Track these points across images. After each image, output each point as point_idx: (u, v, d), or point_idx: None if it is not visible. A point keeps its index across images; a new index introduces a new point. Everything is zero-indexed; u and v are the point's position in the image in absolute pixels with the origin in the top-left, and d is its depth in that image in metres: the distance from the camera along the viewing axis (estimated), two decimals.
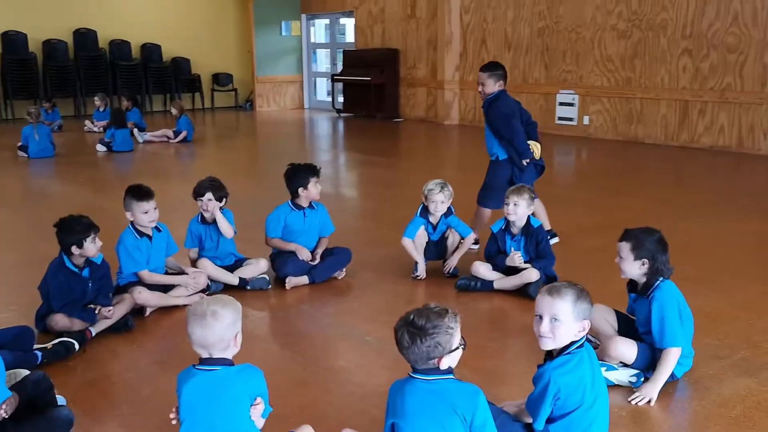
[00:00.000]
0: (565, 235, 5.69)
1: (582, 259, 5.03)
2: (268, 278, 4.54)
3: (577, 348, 2.49)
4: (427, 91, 14.15)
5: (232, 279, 4.45)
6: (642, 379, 3.19)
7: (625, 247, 3.24)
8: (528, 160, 5.11)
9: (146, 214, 4.03)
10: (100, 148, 10.36)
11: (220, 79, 17.14)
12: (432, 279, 4.66)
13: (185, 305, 4.15)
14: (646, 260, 3.19)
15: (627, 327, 3.41)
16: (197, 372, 2.30)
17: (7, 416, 2.49)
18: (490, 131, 5.17)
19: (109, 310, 3.69)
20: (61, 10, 14.84)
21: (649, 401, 3.04)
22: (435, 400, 2.26)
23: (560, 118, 11.82)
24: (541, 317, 2.48)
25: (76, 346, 3.46)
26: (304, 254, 4.57)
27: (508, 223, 4.45)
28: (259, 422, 2.36)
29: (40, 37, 14.64)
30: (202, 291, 4.28)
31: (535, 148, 5.19)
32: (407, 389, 2.31)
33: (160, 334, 3.88)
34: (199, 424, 2.27)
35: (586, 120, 11.45)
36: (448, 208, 4.68)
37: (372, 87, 14.43)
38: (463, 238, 4.70)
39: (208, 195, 4.44)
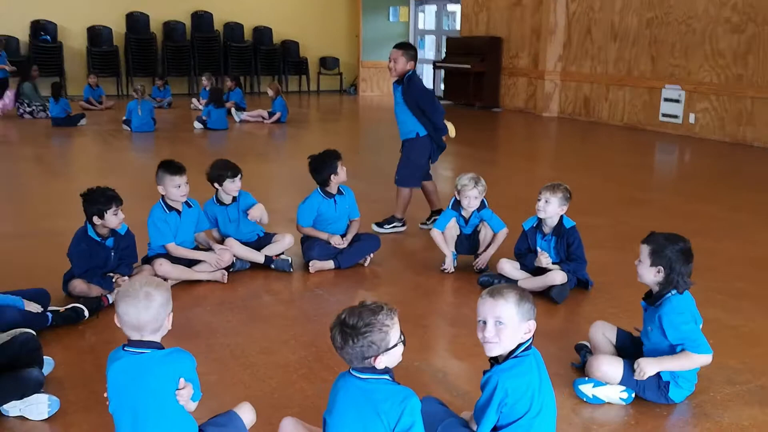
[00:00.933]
0: (623, 239, 5.37)
1: (630, 266, 4.73)
2: (290, 260, 4.58)
3: (524, 351, 2.35)
4: (528, 81, 13.75)
5: (258, 257, 4.53)
6: (633, 395, 2.97)
7: (645, 250, 3.02)
8: (444, 137, 5.35)
9: (178, 189, 4.18)
10: (197, 125, 10.85)
11: (327, 63, 17.46)
12: (461, 273, 4.54)
13: (207, 281, 4.30)
14: (662, 268, 2.96)
15: (629, 344, 3.18)
16: (124, 354, 2.31)
17: None
18: (408, 108, 5.20)
19: (125, 280, 3.86)
20: None
21: (643, 375, 2.90)
22: (362, 400, 2.19)
23: (664, 115, 11.14)
24: (484, 322, 2.35)
25: (86, 313, 3.64)
26: (336, 240, 4.59)
27: (540, 222, 4.25)
28: (190, 405, 2.37)
29: (161, 18, 15.50)
30: (227, 269, 4.39)
31: (451, 126, 5.39)
32: (341, 385, 2.27)
33: (175, 306, 4.00)
34: (124, 405, 2.29)
35: (691, 118, 10.72)
36: (482, 201, 4.54)
37: (472, 75, 14.20)
38: (495, 233, 4.55)
39: (240, 176, 4.56)
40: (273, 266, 4.56)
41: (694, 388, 2.99)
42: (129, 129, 10.35)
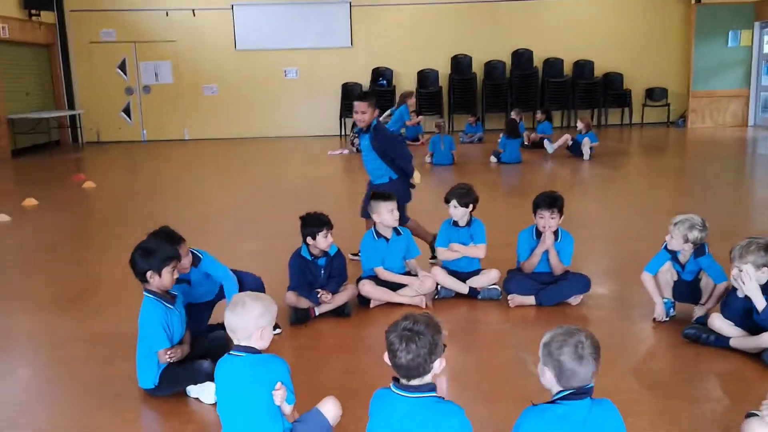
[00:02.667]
0: None
1: None
2: (499, 290, 4.62)
3: None
4: None
5: (462, 288, 4.65)
6: None
7: None
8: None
9: (386, 215, 4.57)
10: (492, 159, 11.23)
11: (654, 94, 16.51)
12: (676, 324, 4.07)
13: (408, 304, 4.55)
14: None
15: None
16: (228, 356, 2.68)
17: (171, 360, 3.29)
18: (378, 156, 5.31)
19: (328, 296, 4.31)
20: (503, 34, 16.27)
21: None
22: (417, 419, 2.27)
23: None
24: None
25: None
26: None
27: None
28: (285, 407, 2.65)
29: (483, 58, 16.35)
30: (432, 295, 4.61)
31: (417, 174, 5.81)
32: (390, 403, 2.34)
33: (370, 324, 4.36)
34: (226, 403, 2.66)
35: None
36: (702, 247, 4.03)
37: None
38: (715, 285, 3.99)
39: (468, 204, 4.74)
40: (479, 296, 4.65)
41: None
42: (430, 163, 11.16)
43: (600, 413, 2.20)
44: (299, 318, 4.29)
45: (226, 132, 16.50)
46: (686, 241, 4.00)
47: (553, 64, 16.39)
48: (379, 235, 4.65)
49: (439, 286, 4.68)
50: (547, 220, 4.42)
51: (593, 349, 2.19)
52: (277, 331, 4.15)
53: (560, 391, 2.23)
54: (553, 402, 2.23)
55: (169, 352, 3.29)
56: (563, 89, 16.23)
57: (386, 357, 2.32)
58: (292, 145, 15.10)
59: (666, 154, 12.94)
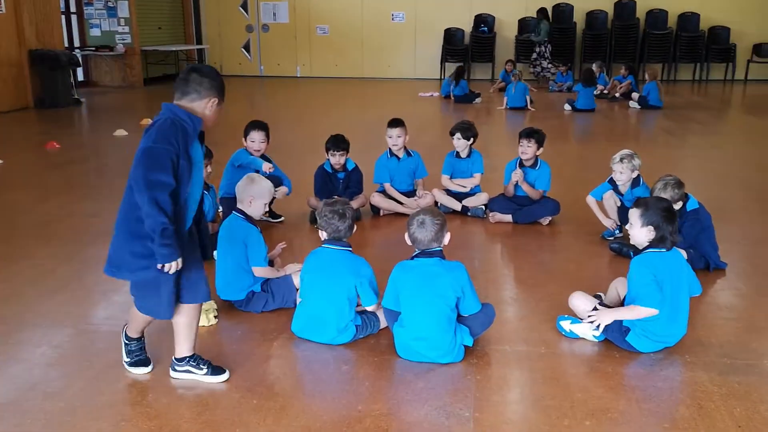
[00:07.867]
0: None
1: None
2: (484, 209, 5.58)
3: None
4: None
5: (456, 205, 5.64)
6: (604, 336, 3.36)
7: (635, 214, 3.37)
8: None
9: (390, 138, 5.60)
10: (567, 106, 11.80)
11: (762, 51, 16.07)
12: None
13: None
14: (651, 227, 3.27)
15: None
16: (231, 215, 3.87)
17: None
18: None
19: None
20: None
21: (599, 326, 3.32)
22: (337, 260, 3.40)
23: None
24: None
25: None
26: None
27: None
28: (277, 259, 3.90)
29: (584, 8, 16.53)
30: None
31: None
32: (321, 253, 3.45)
33: (375, 227, 5.44)
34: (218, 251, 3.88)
35: None
36: (638, 179, 4.79)
37: None
38: None
39: (459, 136, 5.69)
40: (469, 213, 5.62)
41: (662, 347, 3.23)
42: (506, 108, 11.90)
43: (440, 269, 3.18)
44: (317, 218, 5.44)
45: (335, 71, 17.78)
46: (633, 169, 4.78)
47: (656, 16, 16.29)
48: (392, 154, 5.68)
49: (438, 203, 5.69)
50: (525, 148, 5.30)
51: (433, 224, 3.16)
52: (280, 219, 5.40)
53: (414, 252, 3.24)
54: (411, 258, 3.25)
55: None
56: (665, 42, 16.17)
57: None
58: (392, 87, 16.14)
59: (758, 112, 12.85)
